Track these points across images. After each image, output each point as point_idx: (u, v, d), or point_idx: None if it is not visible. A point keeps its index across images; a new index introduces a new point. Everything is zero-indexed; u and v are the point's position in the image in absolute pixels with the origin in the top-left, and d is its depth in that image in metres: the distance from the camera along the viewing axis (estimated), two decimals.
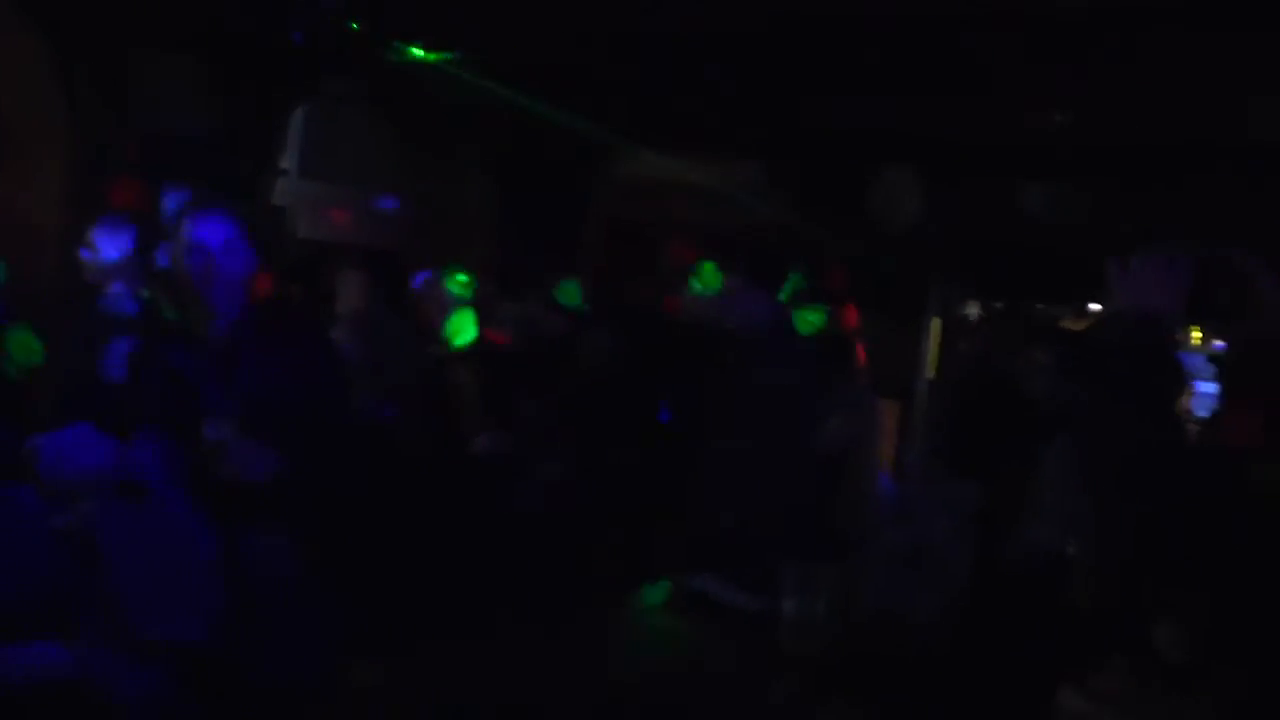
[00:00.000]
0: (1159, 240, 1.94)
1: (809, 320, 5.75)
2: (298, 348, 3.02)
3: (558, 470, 4.96)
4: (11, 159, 6.04)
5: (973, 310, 9.96)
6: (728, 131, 7.94)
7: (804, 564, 2.85)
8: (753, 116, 7.76)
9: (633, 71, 7.20)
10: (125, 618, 2.49)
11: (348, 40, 6.56)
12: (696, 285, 5.32)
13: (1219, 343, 4.59)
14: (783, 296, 5.10)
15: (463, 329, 5.63)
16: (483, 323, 5.76)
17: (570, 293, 6.41)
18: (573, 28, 6.59)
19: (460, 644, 3.23)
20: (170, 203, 6.82)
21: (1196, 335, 7.31)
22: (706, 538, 4.03)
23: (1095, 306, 9.49)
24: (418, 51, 7.10)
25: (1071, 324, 9.42)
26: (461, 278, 5.91)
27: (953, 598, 3.20)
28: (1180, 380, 1.92)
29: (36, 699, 2.40)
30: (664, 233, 8.63)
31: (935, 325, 8.61)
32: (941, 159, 7.93)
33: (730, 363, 4.48)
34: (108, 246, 4.36)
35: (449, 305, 5.79)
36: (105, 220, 4.49)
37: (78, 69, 6.00)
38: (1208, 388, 5.60)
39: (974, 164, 7.98)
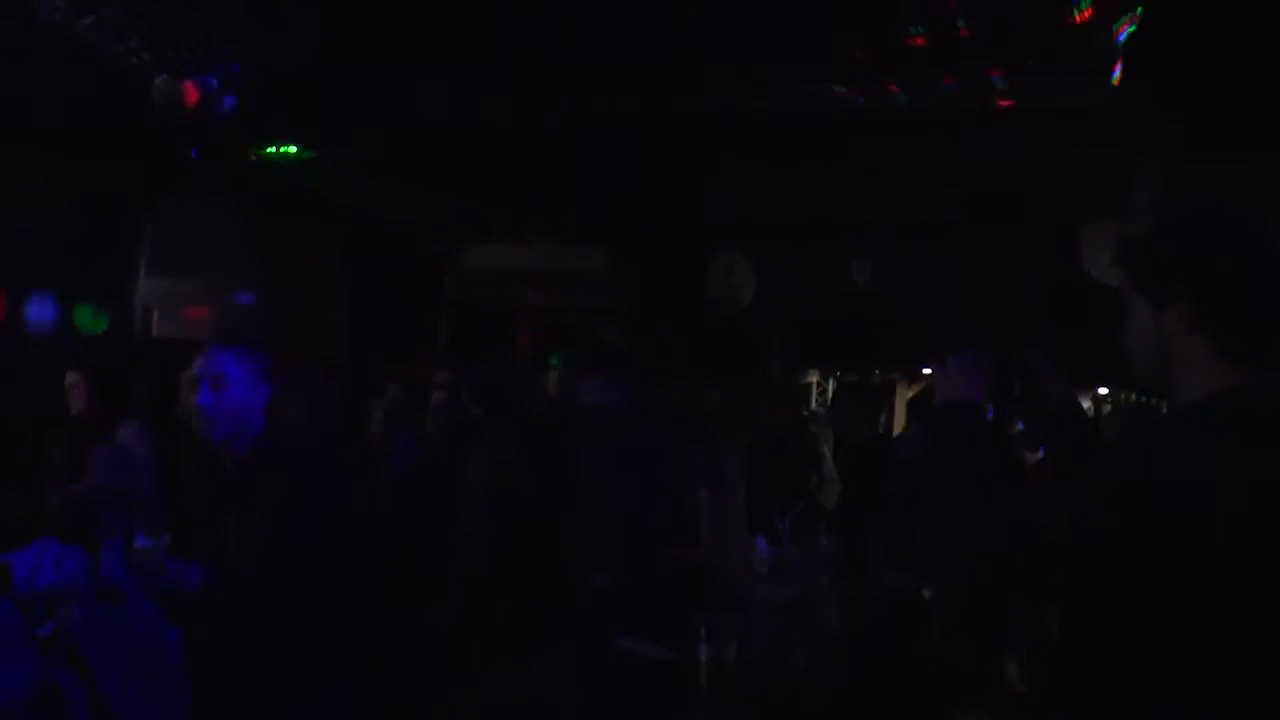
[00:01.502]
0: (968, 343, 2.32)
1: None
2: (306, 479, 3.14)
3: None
4: None
5: (813, 378, 10.48)
6: (569, 219, 8.30)
7: (714, 615, 3.14)
8: (592, 205, 8.11)
9: (478, 163, 7.49)
10: (114, 712, 2.64)
11: (200, 139, 6.69)
12: (553, 371, 5.60)
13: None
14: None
15: None
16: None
17: None
18: (420, 123, 6.86)
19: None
20: (34, 311, 6.90)
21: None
22: (588, 602, 4.26)
23: (926, 371, 10.10)
24: (271, 150, 7.30)
25: (904, 390, 10.01)
26: None
27: (828, 646, 3.52)
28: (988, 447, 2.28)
29: None
30: (511, 318, 8.92)
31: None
32: (771, 240, 8.41)
33: (591, 441, 4.75)
34: None
35: None
36: None
37: None
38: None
39: (801, 243, 8.46)
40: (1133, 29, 4.88)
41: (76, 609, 2.76)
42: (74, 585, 2.87)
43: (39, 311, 6.82)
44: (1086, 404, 9.81)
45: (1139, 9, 4.80)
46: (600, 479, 4.64)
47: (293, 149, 7.32)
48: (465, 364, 7.68)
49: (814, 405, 11.04)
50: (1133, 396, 8.61)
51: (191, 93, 4.50)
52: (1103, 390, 10.09)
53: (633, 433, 4.71)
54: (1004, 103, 5.93)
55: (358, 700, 3.16)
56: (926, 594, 4.37)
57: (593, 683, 3.53)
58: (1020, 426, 5.74)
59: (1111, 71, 5.32)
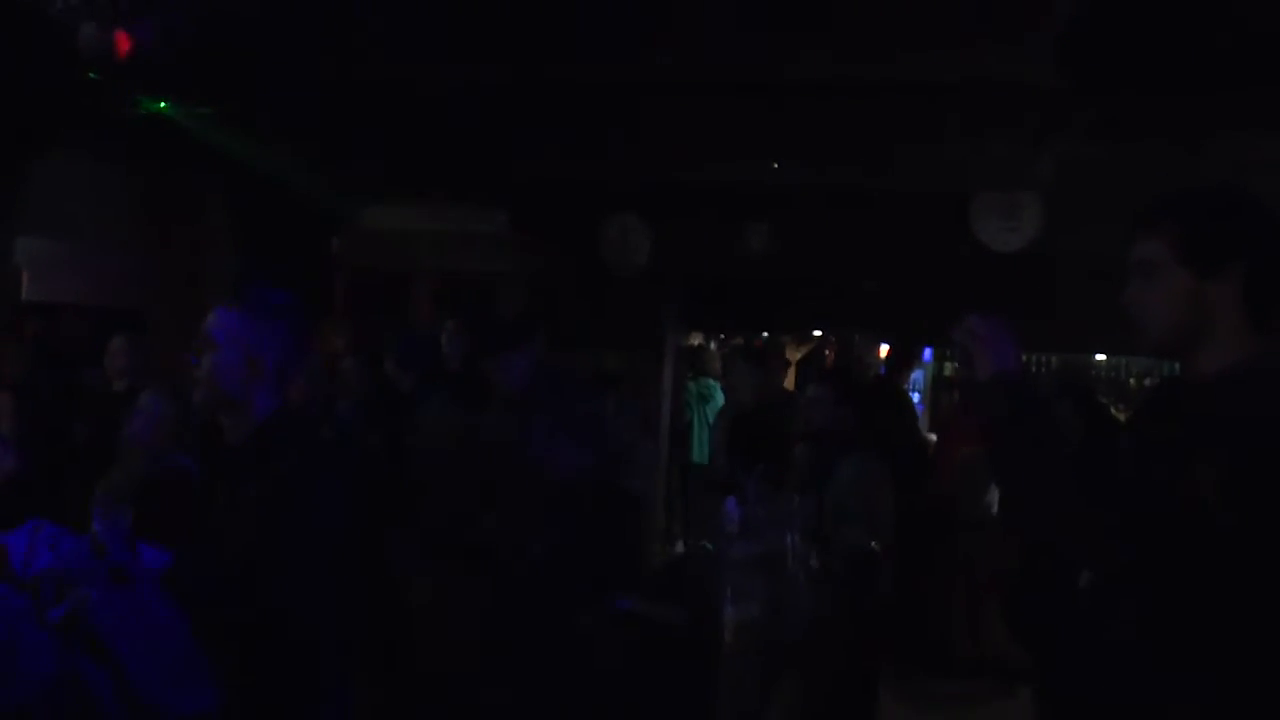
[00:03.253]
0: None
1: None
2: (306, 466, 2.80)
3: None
4: None
5: (697, 340, 10.57)
6: (468, 181, 8.18)
7: (736, 575, 3.17)
8: (491, 166, 8.02)
9: (375, 123, 7.32)
10: (142, 699, 2.48)
11: (86, 93, 6.38)
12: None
13: None
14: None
15: None
16: None
17: None
18: (314, 80, 6.67)
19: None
20: None
21: None
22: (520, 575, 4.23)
23: (816, 333, 10.31)
24: (156, 105, 6.99)
25: (793, 351, 10.17)
26: None
27: (797, 599, 3.60)
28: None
29: None
30: (409, 281, 8.76)
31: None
32: (666, 203, 8.44)
33: (507, 412, 4.72)
34: None
35: None
36: None
37: None
38: None
39: (696, 206, 8.51)
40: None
41: (93, 591, 2.63)
42: (78, 566, 2.73)
43: None
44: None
45: None
46: (527, 446, 4.62)
47: (166, 105, 7.03)
48: (364, 329, 7.56)
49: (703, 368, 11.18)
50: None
51: (124, 42, 4.27)
52: None
53: (553, 399, 4.69)
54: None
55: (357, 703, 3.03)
56: (876, 546, 4.51)
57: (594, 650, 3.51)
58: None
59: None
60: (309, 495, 2.70)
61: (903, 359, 8.30)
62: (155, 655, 2.63)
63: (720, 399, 8.63)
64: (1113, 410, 6.97)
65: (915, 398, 9.90)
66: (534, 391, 4.65)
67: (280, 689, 2.77)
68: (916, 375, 9.80)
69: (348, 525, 2.84)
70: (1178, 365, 2.27)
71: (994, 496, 6.90)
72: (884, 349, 8.84)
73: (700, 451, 8.88)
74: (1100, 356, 9.69)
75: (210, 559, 2.75)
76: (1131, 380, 10.07)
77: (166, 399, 4.61)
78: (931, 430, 8.81)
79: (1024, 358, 2.28)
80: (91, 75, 6.03)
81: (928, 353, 10.19)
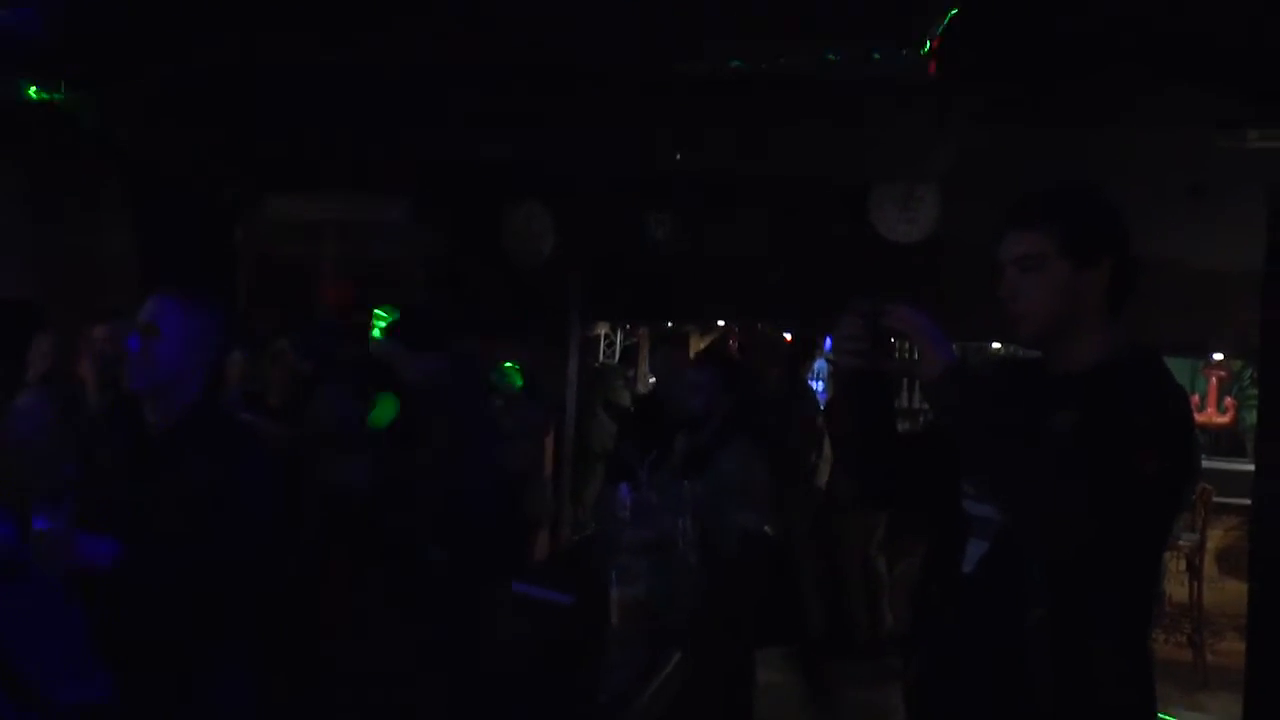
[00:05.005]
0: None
1: None
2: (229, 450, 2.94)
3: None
4: None
5: (602, 330, 10.64)
6: (371, 168, 8.14)
7: (626, 559, 3.24)
8: (393, 153, 7.99)
9: (275, 107, 7.26)
10: (35, 691, 2.49)
11: None
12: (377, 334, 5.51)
13: None
14: None
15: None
16: None
17: None
18: (207, 61, 6.60)
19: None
20: None
21: None
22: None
23: (720, 323, 10.41)
24: (46, 94, 6.86)
25: (697, 340, 10.28)
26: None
27: (685, 582, 3.69)
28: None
29: None
30: (315, 271, 8.71)
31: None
32: (569, 193, 8.48)
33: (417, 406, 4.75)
34: None
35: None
36: None
37: None
38: None
39: (600, 197, 8.56)
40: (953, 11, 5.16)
41: None
42: None
43: None
44: None
45: None
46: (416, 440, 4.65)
47: (60, 95, 6.90)
48: (267, 319, 7.51)
49: (602, 357, 11.25)
50: None
51: None
52: None
53: (459, 399, 4.73)
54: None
55: (258, 691, 3.07)
56: (769, 531, 4.62)
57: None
58: None
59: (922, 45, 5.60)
60: (239, 482, 2.82)
61: (804, 349, 8.45)
62: (44, 647, 2.64)
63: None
64: None
65: (819, 387, 10.07)
66: (438, 389, 4.68)
67: (182, 666, 2.82)
68: (819, 364, 9.97)
69: (274, 509, 2.94)
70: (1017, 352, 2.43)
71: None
72: (787, 337, 8.99)
73: None
74: (996, 345, 9.91)
75: (140, 543, 2.79)
76: None
77: (49, 400, 4.58)
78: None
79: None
80: None
81: (829, 342, 10.34)
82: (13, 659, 2.51)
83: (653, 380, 8.91)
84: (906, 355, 2.56)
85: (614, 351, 11.79)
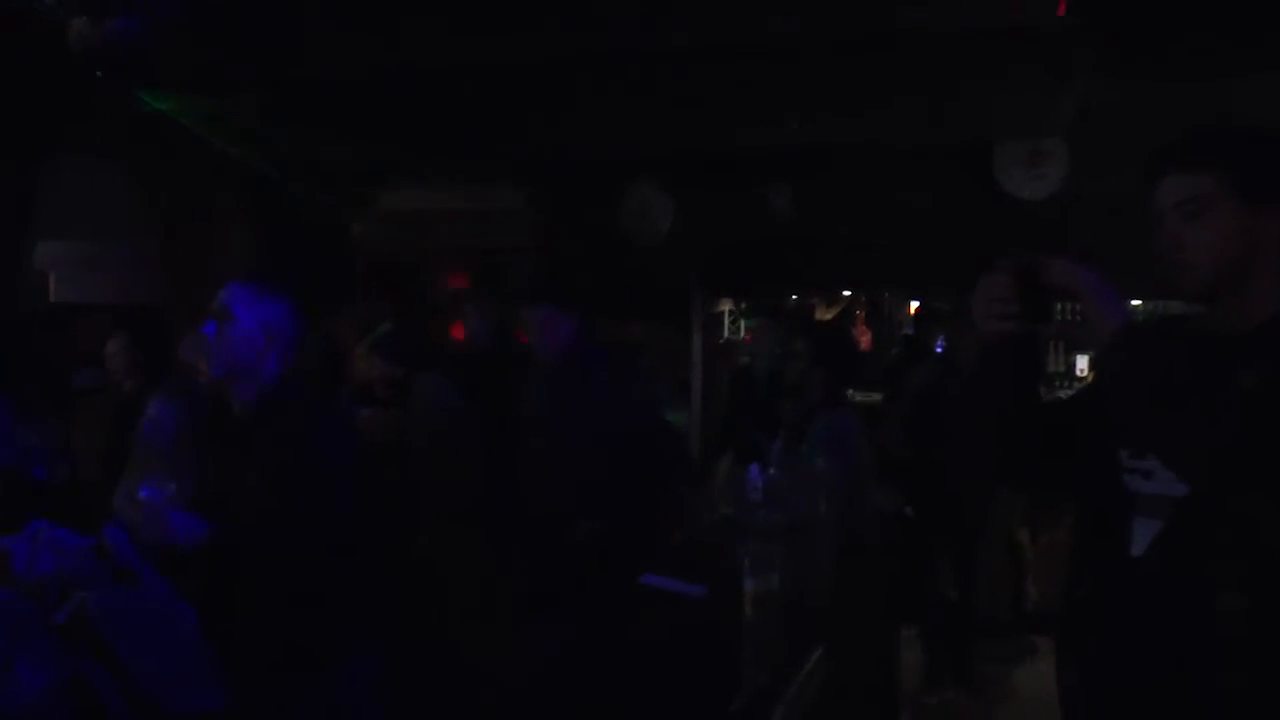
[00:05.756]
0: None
1: None
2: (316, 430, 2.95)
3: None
4: None
5: (726, 307, 10.48)
6: (481, 158, 8.10)
7: (757, 546, 3.11)
8: (506, 143, 7.94)
9: (386, 104, 7.26)
10: (148, 699, 2.47)
11: (90, 91, 6.36)
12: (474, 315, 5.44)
13: None
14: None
15: None
16: None
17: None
18: (324, 64, 6.61)
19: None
20: None
21: None
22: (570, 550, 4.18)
23: (846, 293, 10.20)
24: (159, 102, 6.95)
25: (823, 312, 10.07)
26: None
27: (821, 567, 3.52)
28: None
29: None
30: (427, 263, 8.72)
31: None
32: (685, 170, 8.33)
33: (542, 384, 4.65)
34: None
35: None
36: None
37: None
38: None
39: (717, 171, 8.40)
40: None
41: (94, 594, 2.60)
42: (81, 568, 2.71)
43: None
44: None
45: None
46: (559, 420, 4.55)
47: (174, 102, 6.98)
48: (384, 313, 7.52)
49: (726, 334, 11.08)
50: None
51: None
52: None
53: (587, 369, 4.62)
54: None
55: (378, 669, 3.02)
56: (909, 512, 4.43)
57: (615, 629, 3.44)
58: None
59: None
60: (319, 461, 2.82)
61: (930, 317, 8.20)
62: (160, 655, 2.61)
63: None
64: None
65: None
66: (572, 362, 4.58)
67: (299, 644, 2.80)
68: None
69: (357, 487, 2.94)
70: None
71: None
72: (913, 306, 8.73)
73: None
74: (1135, 302, 9.52)
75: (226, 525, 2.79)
76: None
77: (176, 404, 4.61)
78: None
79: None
80: (97, 74, 6.01)
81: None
82: (128, 666, 2.48)
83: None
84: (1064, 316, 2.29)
85: (738, 328, 11.62)
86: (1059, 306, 2.24)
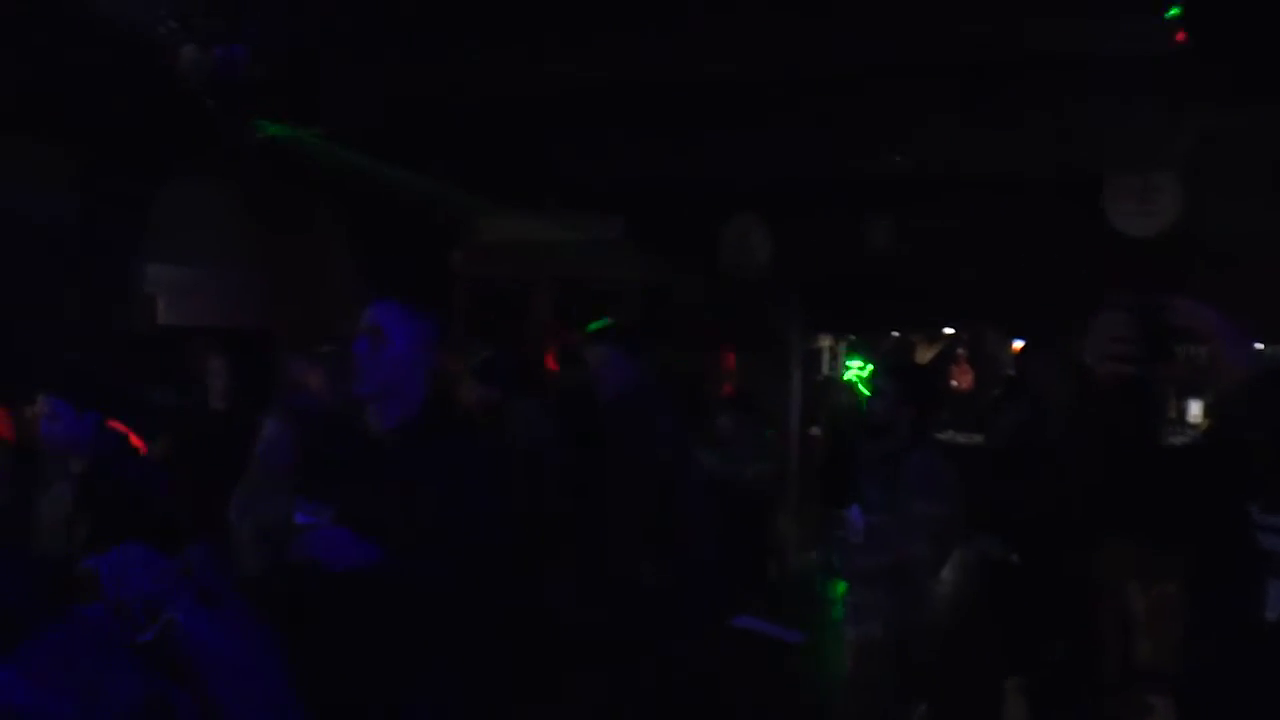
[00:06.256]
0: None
1: None
2: (465, 458, 2.85)
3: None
4: None
5: (825, 343, 10.35)
6: (584, 188, 8.11)
7: (859, 593, 3.00)
8: (606, 173, 7.94)
9: (490, 135, 7.30)
10: None
11: (203, 120, 6.48)
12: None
13: None
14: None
15: None
16: None
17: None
18: (426, 95, 6.67)
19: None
20: None
21: None
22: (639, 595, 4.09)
23: (948, 331, 10.01)
24: (273, 128, 7.06)
25: (924, 350, 9.89)
26: None
27: (924, 616, 3.38)
28: None
29: None
30: (528, 292, 8.74)
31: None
32: (785, 202, 8.26)
33: (618, 425, 4.57)
34: None
35: None
36: None
37: None
38: None
39: (816, 204, 8.31)
40: None
41: (180, 614, 2.59)
42: (168, 589, 2.70)
43: None
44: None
45: None
46: (615, 458, 4.45)
47: (286, 129, 7.10)
48: (486, 341, 7.53)
49: (825, 370, 10.95)
50: None
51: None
52: None
53: (641, 410, 4.52)
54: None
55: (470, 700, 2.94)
56: (1015, 559, 4.27)
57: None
58: None
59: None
60: (466, 489, 2.73)
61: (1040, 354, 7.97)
62: (241, 678, 2.58)
63: None
64: None
65: None
66: (627, 403, 4.49)
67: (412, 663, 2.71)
68: None
69: (502, 518, 2.83)
70: None
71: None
72: (1017, 345, 8.52)
73: None
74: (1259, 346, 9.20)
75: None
76: None
77: (290, 423, 4.62)
78: None
79: None
80: (208, 101, 6.12)
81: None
82: (209, 688, 2.46)
83: None
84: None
85: (837, 365, 11.48)
86: (1178, 348, 2.11)
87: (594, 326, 5.18)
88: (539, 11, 5.47)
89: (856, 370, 8.64)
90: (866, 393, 5.79)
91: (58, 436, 4.01)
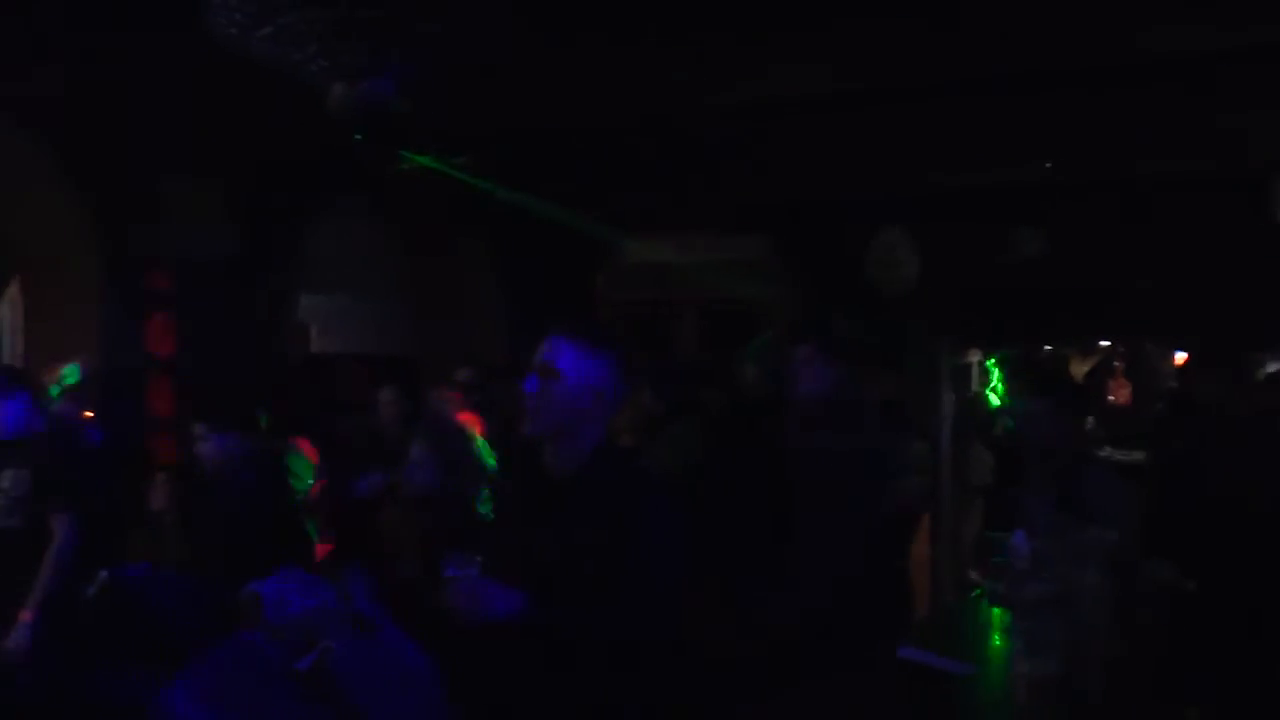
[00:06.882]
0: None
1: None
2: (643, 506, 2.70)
3: None
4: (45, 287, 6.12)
5: (975, 358, 10.09)
6: (728, 209, 8.07)
7: (1030, 622, 2.87)
8: (749, 193, 7.89)
9: (633, 158, 7.32)
10: None
11: (351, 153, 6.61)
12: (751, 360, 5.30)
13: None
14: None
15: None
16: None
17: None
18: (571, 119, 6.71)
19: None
20: None
21: None
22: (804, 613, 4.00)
23: (1104, 343, 9.69)
24: (420, 160, 7.18)
25: (1078, 364, 9.59)
26: None
27: (1096, 651, 3.22)
28: None
29: None
30: (669, 313, 8.72)
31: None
32: (932, 214, 8.09)
33: (796, 433, 4.48)
34: None
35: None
36: None
37: (106, 197, 6.08)
38: None
39: (965, 214, 8.14)
40: None
41: (337, 641, 2.60)
42: (326, 614, 2.71)
43: None
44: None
45: None
46: (819, 478, 4.35)
47: (431, 159, 7.21)
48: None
49: (974, 387, 10.69)
50: None
51: None
52: None
53: (853, 424, 4.41)
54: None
55: None
56: (1191, 587, 4.06)
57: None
58: None
59: None
60: (646, 533, 2.60)
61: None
62: (397, 706, 2.58)
63: None
64: None
65: None
66: (828, 412, 4.40)
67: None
68: None
69: (683, 564, 2.73)
70: None
71: None
72: (1179, 357, 8.20)
73: None
74: None
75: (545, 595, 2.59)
76: None
77: (434, 451, 4.67)
78: None
79: None
80: (357, 136, 6.23)
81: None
82: (363, 715, 2.45)
83: None
84: None
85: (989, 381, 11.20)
86: None
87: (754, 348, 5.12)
88: (694, 31, 5.46)
89: (995, 387, 8.39)
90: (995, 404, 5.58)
91: (209, 458, 4.24)
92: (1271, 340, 6.72)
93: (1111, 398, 9.94)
